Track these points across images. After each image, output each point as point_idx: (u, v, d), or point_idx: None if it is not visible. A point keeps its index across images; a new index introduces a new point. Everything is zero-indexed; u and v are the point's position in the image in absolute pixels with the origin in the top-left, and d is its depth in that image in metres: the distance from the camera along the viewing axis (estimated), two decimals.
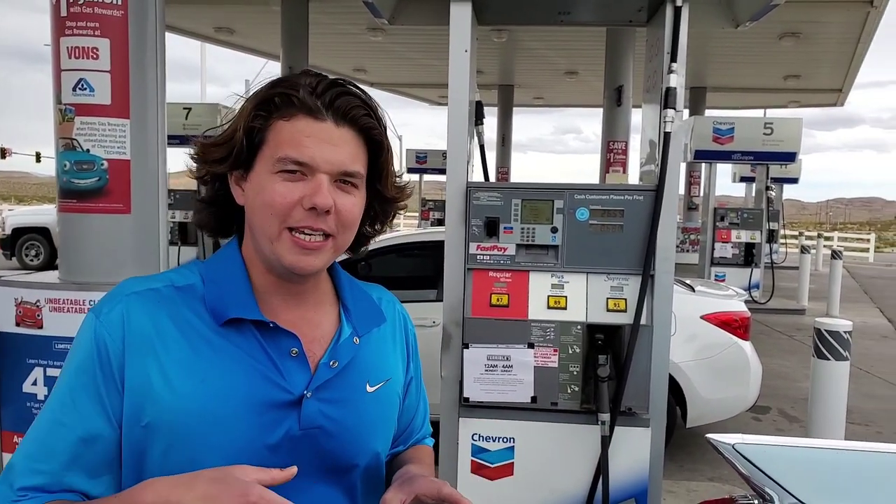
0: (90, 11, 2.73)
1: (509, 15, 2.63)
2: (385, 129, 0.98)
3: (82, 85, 2.81)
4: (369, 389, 0.99)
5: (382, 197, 1.02)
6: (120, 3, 2.73)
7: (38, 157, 28.13)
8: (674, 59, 2.20)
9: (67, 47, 2.81)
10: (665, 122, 2.18)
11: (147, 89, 2.91)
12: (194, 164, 0.98)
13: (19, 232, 13.87)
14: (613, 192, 2.20)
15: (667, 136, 2.17)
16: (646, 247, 2.15)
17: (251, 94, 0.94)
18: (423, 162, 15.17)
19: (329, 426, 0.93)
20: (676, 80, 2.20)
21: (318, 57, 11.90)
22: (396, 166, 1.05)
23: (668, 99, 2.19)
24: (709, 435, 1.14)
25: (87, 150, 2.82)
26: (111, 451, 0.88)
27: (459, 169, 2.23)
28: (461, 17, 2.24)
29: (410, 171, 15.46)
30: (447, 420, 2.23)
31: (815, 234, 22.33)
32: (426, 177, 16.31)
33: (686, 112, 13.43)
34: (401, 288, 4.78)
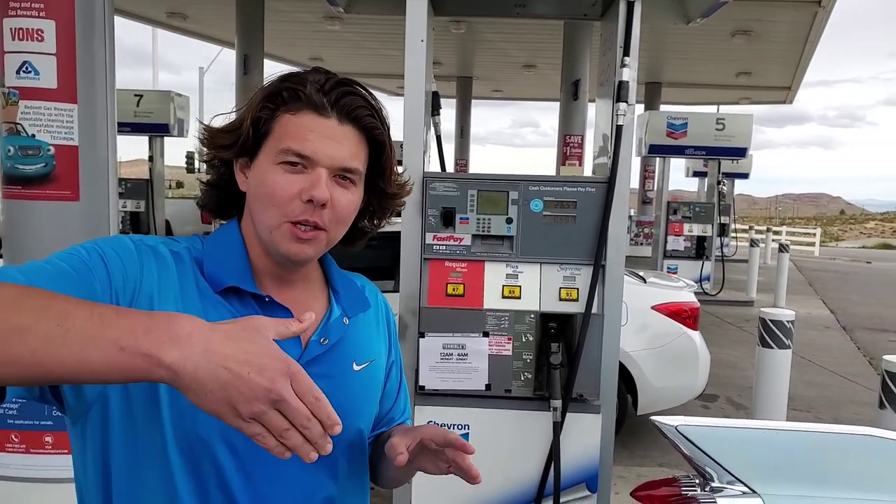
0: None
1: (466, 6, 2.65)
2: (388, 130, 1.02)
3: (27, 68, 2.72)
4: (356, 368, 1.03)
5: (383, 194, 1.06)
6: None
7: None
8: (626, 52, 2.24)
9: (11, 28, 2.71)
10: (617, 115, 2.23)
11: (95, 73, 2.83)
12: (202, 147, 1.02)
13: None
14: (567, 184, 2.24)
15: (619, 129, 2.22)
16: (598, 237, 2.20)
17: (263, 87, 0.99)
18: None
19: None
20: (629, 74, 2.25)
21: (275, 45, 11.73)
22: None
23: (620, 92, 2.24)
24: (654, 417, 1.18)
25: (33, 136, 2.73)
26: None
27: (416, 159, 2.24)
28: (417, 6, 2.24)
29: None
30: None
31: (764, 228, 22.99)
32: None
33: (641, 107, 13.66)
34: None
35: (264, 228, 0.96)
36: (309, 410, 0.74)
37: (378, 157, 1.01)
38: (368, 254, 4.74)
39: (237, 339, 0.72)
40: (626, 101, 2.24)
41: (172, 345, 0.69)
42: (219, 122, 1.01)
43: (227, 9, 9.36)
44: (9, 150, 2.76)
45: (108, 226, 2.94)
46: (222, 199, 1.05)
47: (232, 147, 0.98)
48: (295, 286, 1.03)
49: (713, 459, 1.11)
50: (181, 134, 10.75)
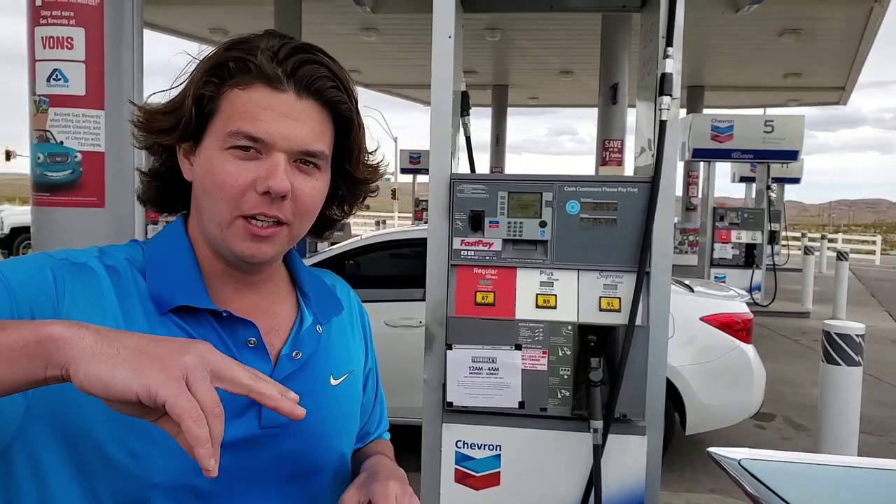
0: (65, 0, 2.64)
1: (496, 1, 2.50)
2: (356, 104, 0.87)
3: (56, 75, 2.72)
4: (333, 383, 0.90)
5: (352, 178, 0.91)
6: None
7: (7, 155, 26.52)
8: (669, 43, 2.07)
9: (42, 37, 2.72)
10: (661, 109, 2.06)
11: (123, 80, 2.82)
12: (138, 132, 0.87)
13: (17, 231, 13.88)
14: (606, 184, 2.07)
15: (662, 124, 2.05)
16: (641, 242, 2.02)
17: (205, 57, 0.83)
18: (416, 162, 15.07)
19: (292, 424, 0.81)
20: (672, 66, 2.07)
21: None
22: (371, 146, 0.93)
23: (663, 85, 2.07)
24: (711, 449, 1.01)
25: (61, 142, 2.74)
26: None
27: (443, 160, 2.11)
28: (445, 2, 2.11)
29: (404, 171, 15.39)
30: (430, 425, 2.10)
31: (818, 235, 22.14)
32: (420, 177, 16.18)
33: (683, 111, 13.35)
34: (389, 286, 4.66)
35: (213, 226, 0.81)
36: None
37: (345, 136, 0.86)
38: (402, 262, 4.64)
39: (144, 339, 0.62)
40: (670, 95, 2.06)
41: (63, 325, 0.59)
42: (157, 102, 0.86)
43: (265, 22, 9.43)
44: (38, 158, 2.75)
45: (133, 233, 2.92)
46: (166, 190, 0.90)
47: (172, 131, 0.83)
48: (258, 290, 0.88)
49: (783, 500, 0.93)
50: None
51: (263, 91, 0.79)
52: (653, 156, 2.07)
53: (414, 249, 4.22)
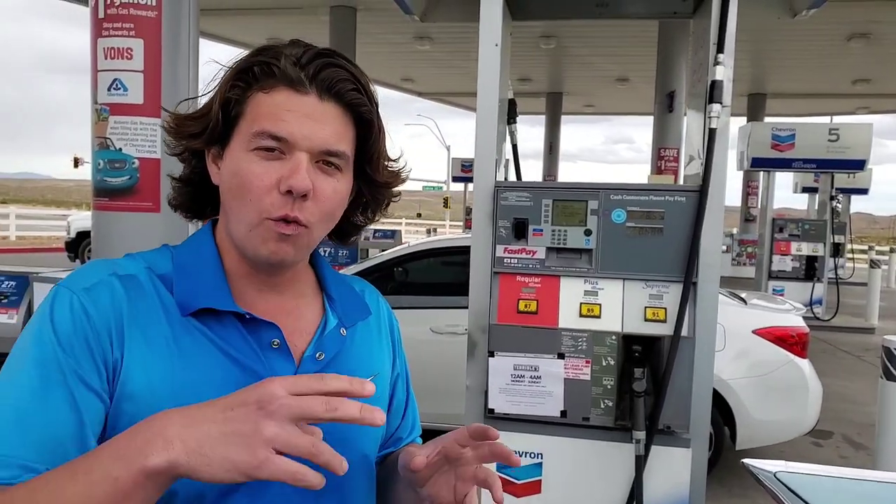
0: (125, 13, 2.76)
1: (544, 8, 2.51)
2: (376, 107, 0.88)
3: (116, 85, 2.84)
4: None
5: (373, 181, 0.92)
6: (154, 3, 2.74)
7: (76, 162, 27.98)
8: (720, 49, 2.04)
9: (104, 48, 2.84)
10: (710, 117, 2.02)
11: (179, 89, 2.92)
12: (169, 138, 0.90)
13: (83, 235, 14.48)
14: (653, 192, 2.05)
15: (712, 132, 2.01)
16: (688, 252, 1.99)
17: (232, 63, 0.86)
18: (468, 170, 15.11)
19: (317, 426, 0.83)
20: (723, 73, 2.03)
21: (366, 67, 11.94)
22: (393, 152, 0.95)
23: (713, 93, 2.03)
24: (747, 461, 0.99)
25: (119, 149, 2.85)
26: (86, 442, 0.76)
27: (487, 168, 2.12)
28: (491, 10, 2.13)
29: (456, 179, 15.42)
30: None
31: (886, 248, 21.19)
32: (471, 185, 16.18)
33: (743, 119, 13.01)
34: (436, 293, 4.68)
35: (241, 227, 0.83)
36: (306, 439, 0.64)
37: (366, 139, 0.87)
38: (449, 269, 4.66)
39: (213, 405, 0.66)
40: (721, 102, 2.02)
41: (153, 446, 0.63)
42: (185, 109, 0.89)
43: (321, 32, 9.65)
44: (99, 164, 2.88)
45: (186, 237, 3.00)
46: (196, 196, 0.92)
47: (201, 135, 0.85)
48: (283, 292, 0.90)
49: None
50: None
51: (286, 93, 0.81)
52: (702, 164, 2.04)
53: (461, 257, 4.23)
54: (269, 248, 0.82)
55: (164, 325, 0.81)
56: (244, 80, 0.83)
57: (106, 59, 2.86)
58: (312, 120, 0.81)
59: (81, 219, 15.60)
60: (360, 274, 4.53)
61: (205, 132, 0.85)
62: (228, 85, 0.83)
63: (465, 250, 4.23)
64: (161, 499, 0.67)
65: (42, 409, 0.73)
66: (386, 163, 0.93)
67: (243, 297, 0.86)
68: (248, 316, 0.83)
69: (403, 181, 0.97)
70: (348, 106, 0.84)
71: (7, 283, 3.77)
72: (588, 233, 2.05)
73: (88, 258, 14.97)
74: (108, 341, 0.77)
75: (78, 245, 14.59)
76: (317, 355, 0.87)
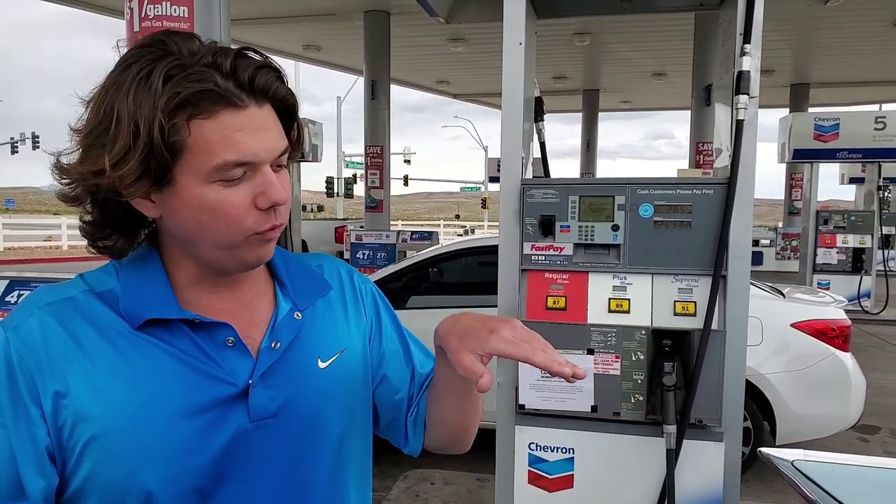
0: (159, 25, 2.85)
1: (569, 5, 2.51)
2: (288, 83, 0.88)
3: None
4: (322, 365, 0.91)
5: (293, 155, 0.90)
6: (186, 15, 2.82)
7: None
8: (747, 40, 2.02)
9: None
10: (737, 108, 2.01)
11: None
12: (79, 190, 0.81)
13: None
14: (680, 186, 2.04)
15: (739, 123, 2.00)
16: (717, 245, 1.98)
17: (127, 85, 0.76)
18: None
19: (283, 413, 0.86)
20: (750, 63, 2.02)
21: (401, 70, 12.08)
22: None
23: (740, 84, 2.01)
24: (763, 449, 0.99)
25: None
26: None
27: (514, 166, 2.14)
28: (515, 9, 2.15)
29: (493, 180, 15.38)
30: (503, 428, 2.12)
31: None
32: None
33: (786, 110, 12.69)
34: (470, 293, 4.70)
35: (218, 250, 0.82)
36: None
37: (291, 120, 0.87)
38: (483, 269, 4.68)
39: None
40: (748, 93, 2.01)
41: None
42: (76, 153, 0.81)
43: (356, 37, 9.76)
44: None
45: None
46: (125, 235, 0.86)
47: (143, 181, 0.76)
48: (239, 286, 0.89)
49: (839, 503, 0.91)
50: (315, 159, 11.31)
51: (228, 113, 0.77)
52: (730, 157, 2.03)
53: (492, 256, 4.24)
54: (256, 254, 0.83)
55: (106, 344, 0.81)
56: (177, 111, 0.75)
57: None
58: (263, 130, 0.79)
59: None
60: (394, 275, 4.58)
61: (146, 177, 0.76)
62: (168, 123, 0.74)
63: (496, 249, 4.26)
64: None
65: None
66: (302, 133, 0.92)
67: (197, 298, 0.86)
68: (196, 321, 0.83)
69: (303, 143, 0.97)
70: (278, 100, 0.83)
71: None
72: (615, 228, 2.05)
73: None
74: (40, 375, 0.78)
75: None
76: (272, 345, 0.87)
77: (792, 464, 0.94)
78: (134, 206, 0.82)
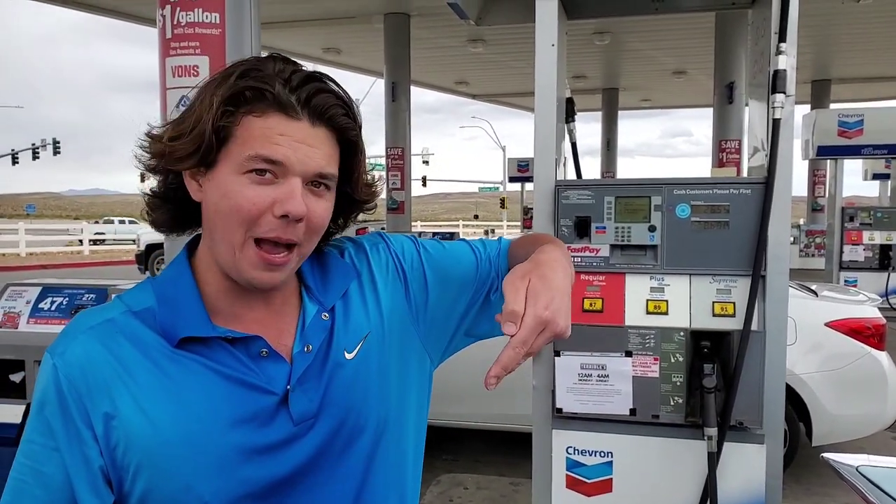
0: (191, 31, 2.87)
1: (600, 6, 2.50)
2: (360, 129, 0.91)
3: (184, 102, 2.96)
4: (348, 357, 0.92)
5: (350, 198, 0.95)
6: (217, 21, 2.84)
7: (142, 177, 29.29)
8: (782, 38, 2.00)
9: (172, 67, 2.97)
10: (773, 107, 1.99)
11: None
12: (149, 159, 0.88)
13: (152, 248, 15.05)
14: (717, 185, 2.03)
15: (776, 122, 1.98)
16: (755, 245, 1.96)
17: (212, 82, 0.85)
18: (524, 170, 15.00)
19: (322, 411, 0.88)
20: (786, 62, 2.00)
21: (421, 72, 12.10)
22: (370, 175, 0.97)
23: (776, 82, 1.99)
24: (826, 455, 0.98)
25: None
26: None
27: (547, 168, 2.14)
28: (547, 10, 2.15)
29: (512, 180, 15.37)
30: (540, 431, 2.12)
31: None
32: (528, 185, 16.13)
33: (807, 107, 12.55)
34: None
35: (227, 248, 0.84)
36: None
37: (348, 158, 0.90)
38: None
39: None
40: (784, 92, 1.99)
41: None
42: (158, 131, 0.88)
43: (376, 40, 9.79)
44: None
45: None
46: (177, 213, 0.92)
47: (192, 157, 0.83)
48: (270, 298, 0.91)
49: None
50: None
51: (278, 118, 0.82)
52: (766, 156, 2.01)
53: None
54: (259, 276, 0.84)
55: (149, 363, 0.83)
56: (233, 103, 0.82)
57: (174, 77, 2.98)
58: (306, 145, 0.83)
59: (150, 232, 16.21)
60: None
61: (195, 154, 0.83)
62: (219, 110, 0.82)
63: None
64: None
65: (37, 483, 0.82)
66: (364, 179, 0.95)
67: (230, 311, 0.88)
68: (230, 337, 0.85)
69: (378, 195, 0.99)
70: (337, 129, 0.87)
71: (88, 295, 3.99)
72: (652, 229, 2.04)
73: (158, 270, 15.63)
74: (90, 398, 0.81)
75: (147, 257, 15.16)
76: (305, 349, 0.89)
77: (857, 469, 0.93)
78: (187, 188, 0.88)
